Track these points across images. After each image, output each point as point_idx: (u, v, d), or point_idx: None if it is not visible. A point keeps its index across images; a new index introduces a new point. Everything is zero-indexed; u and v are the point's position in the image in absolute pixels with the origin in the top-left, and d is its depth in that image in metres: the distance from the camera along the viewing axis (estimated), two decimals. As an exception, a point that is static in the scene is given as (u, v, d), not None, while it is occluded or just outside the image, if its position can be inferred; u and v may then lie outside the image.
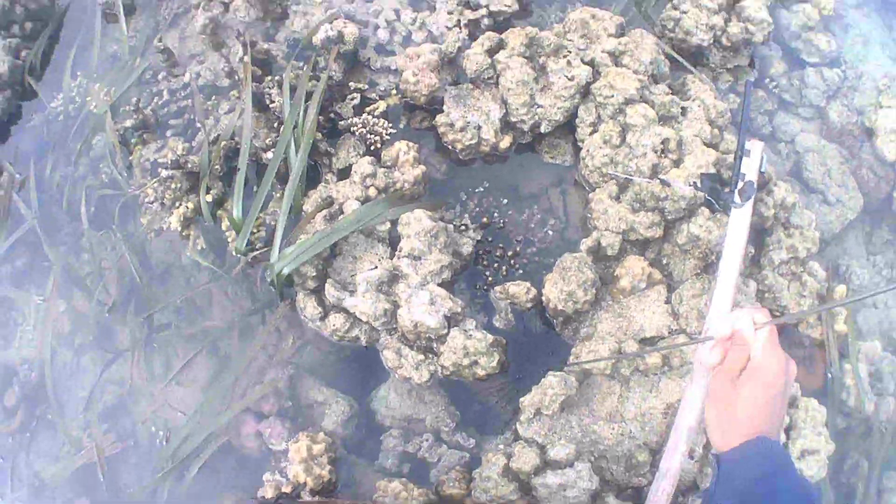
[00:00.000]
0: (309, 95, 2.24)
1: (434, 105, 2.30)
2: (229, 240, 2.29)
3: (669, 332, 2.08)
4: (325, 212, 2.17)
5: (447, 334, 2.05)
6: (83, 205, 2.46)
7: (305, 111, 2.21)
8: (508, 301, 2.15)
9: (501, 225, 2.25)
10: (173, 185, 2.29)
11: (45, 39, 2.73)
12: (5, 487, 2.44)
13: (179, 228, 2.30)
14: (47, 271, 2.56)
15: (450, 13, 2.36)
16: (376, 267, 2.10)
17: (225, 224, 2.28)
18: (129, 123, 2.41)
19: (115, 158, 2.45)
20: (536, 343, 2.18)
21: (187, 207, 2.29)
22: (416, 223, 2.09)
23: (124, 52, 2.59)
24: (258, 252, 2.23)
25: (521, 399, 2.05)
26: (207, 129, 2.36)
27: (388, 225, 2.14)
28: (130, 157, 2.46)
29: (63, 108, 2.62)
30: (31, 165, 2.58)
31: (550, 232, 2.26)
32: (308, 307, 2.14)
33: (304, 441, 2.06)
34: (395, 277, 2.10)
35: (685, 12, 2.44)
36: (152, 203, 2.35)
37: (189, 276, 2.42)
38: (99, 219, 2.50)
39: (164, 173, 2.29)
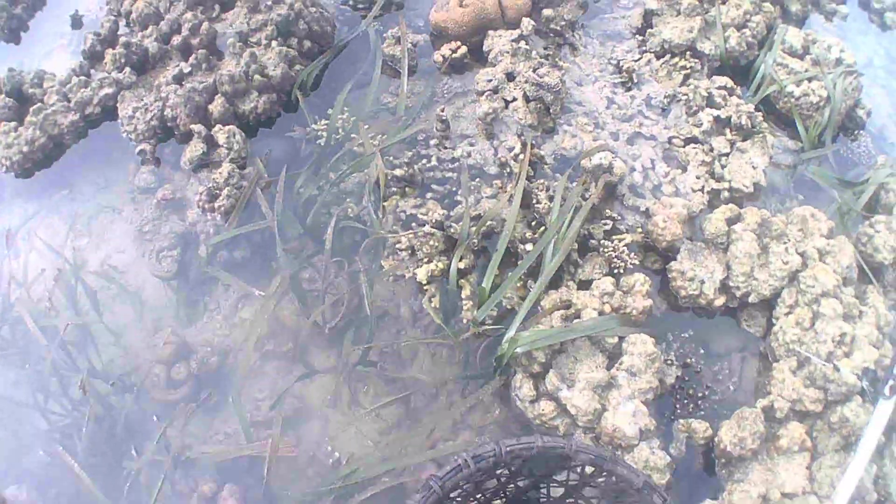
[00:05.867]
0: (573, 209, 2.97)
1: (668, 252, 3.05)
2: (463, 308, 2.94)
3: (803, 492, 2.81)
4: (562, 312, 2.86)
5: (636, 445, 2.73)
6: (331, 228, 3.07)
7: (570, 222, 2.93)
8: (687, 434, 2.85)
9: (698, 370, 2.97)
10: (431, 243, 2.95)
11: (320, 64, 3.41)
12: (146, 446, 2.94)
13: (424, 282, 2.95)
14: (261, 271, 3.16)
15: (697, 178, 3.14)
16: (593, 371, 2.79)
17: (465, 293, 2.94)
18: (398, 173, 3.08)
19: (372, 198, 3.11)
20: (698, 474, 2.87)
21: (437, 266, 2.95)
22: (642, 345, 2.79)
23: (400, 108, 3.29)
24: (489, 327, 2.90)
25: (677, 513, 2.73)
26: (469, 205, 3.04)
27: (616, 339, 2.84)
28: (384, 203, 3.12)
29: (325, 135, 3.29)
30: (283, 172, 3.20)
31: (731, 388, 2.99)
32: (524, 388, 2.80)
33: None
34: (609, 385, 2.78)
35: (878, 231, 3.24)
36: (403, 250, 3.00)
37: (400, 328, 3.02)
38: (333, 246, 3.12)
39: (426, 229, 2.96)
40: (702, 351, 3.00)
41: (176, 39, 3.55)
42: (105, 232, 3.47)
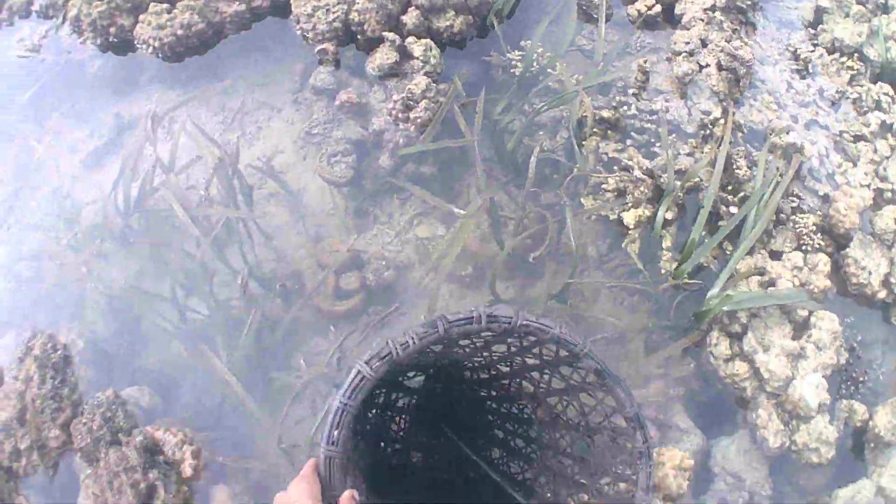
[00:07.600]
0: (773, 182, 3.12)
1: (842, 238, 3.26)
2: (662, 258, 3.02)
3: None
4: (758, 277, 3.00)
5: (813, 417, 2.92)
6: (534, 157, 3.04)
7: (770, 194, 3.08)
8: (847, 415, 3.06)
9: (860, 356, 3.19)
10: (642, 188, 3.01)
11: (516, -4, 3.41)
12: (295, 357, 2.87)
13: (631, 225, 3.00)
14: (445, 189, 3.10)
15: (865, 174, 3.38)
16: (784, 339, 2.95)
17: (666, 243, 3.02)
18: (606, 114, 3.12)
19: (576, 134, 3.12)
20: (846, 453, 3.09)
21: (643, 212, 3.01)
22: (830, 322, 2.97)
23: (598, 54, 3.32)
24: (690, 281, 2.99)
25: (836, 491, 2.93)
26: (670, 157, 3.12)
27: (806, 312, 3.01)
28: (584, 142, 3.15)
29: (521, 66, 3.26)
30: (482, 93, 3.14)
31: (880, 377, 3.24)
32: (721, 346, 2.91)
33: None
34: (799, 356, 2.95)
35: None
36: (609, 191, 3.04)
37: (582, 268, 3.08)
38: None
39: (636, 174, 3.02)
40: (859, 338, 3.23)
41: (360, -61, 3.41)
42: (260, 130, 3.30)
